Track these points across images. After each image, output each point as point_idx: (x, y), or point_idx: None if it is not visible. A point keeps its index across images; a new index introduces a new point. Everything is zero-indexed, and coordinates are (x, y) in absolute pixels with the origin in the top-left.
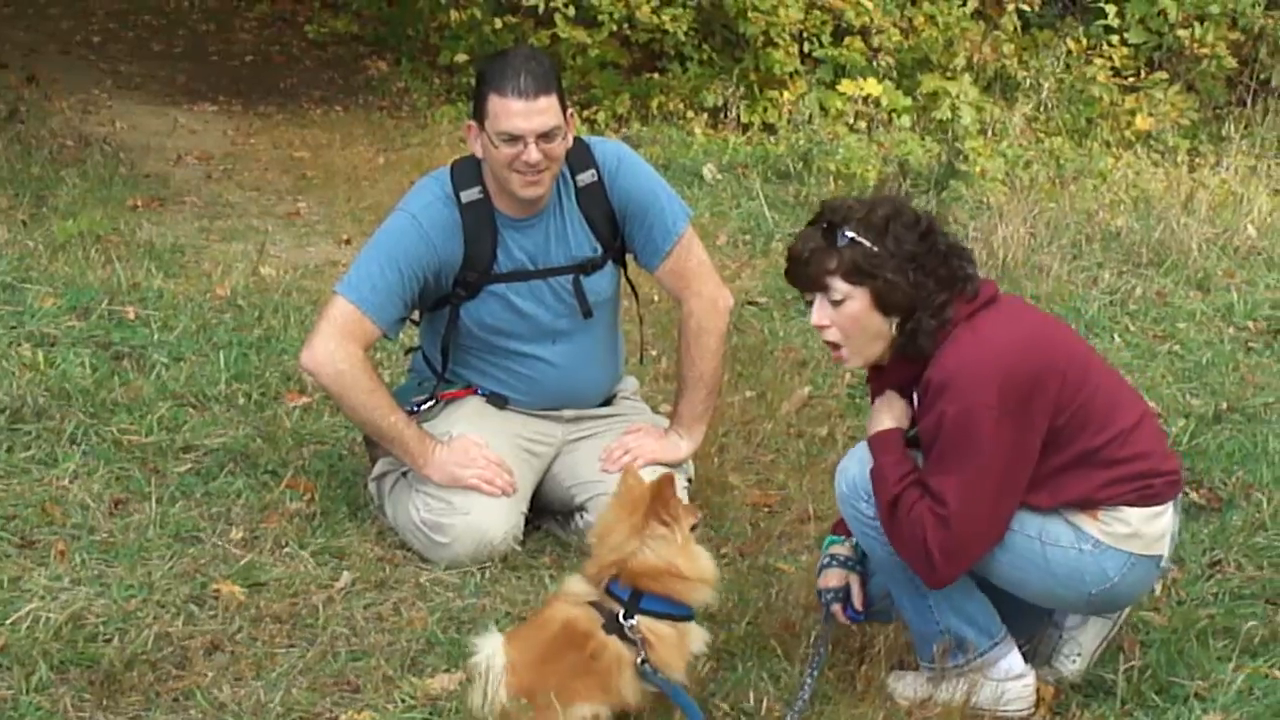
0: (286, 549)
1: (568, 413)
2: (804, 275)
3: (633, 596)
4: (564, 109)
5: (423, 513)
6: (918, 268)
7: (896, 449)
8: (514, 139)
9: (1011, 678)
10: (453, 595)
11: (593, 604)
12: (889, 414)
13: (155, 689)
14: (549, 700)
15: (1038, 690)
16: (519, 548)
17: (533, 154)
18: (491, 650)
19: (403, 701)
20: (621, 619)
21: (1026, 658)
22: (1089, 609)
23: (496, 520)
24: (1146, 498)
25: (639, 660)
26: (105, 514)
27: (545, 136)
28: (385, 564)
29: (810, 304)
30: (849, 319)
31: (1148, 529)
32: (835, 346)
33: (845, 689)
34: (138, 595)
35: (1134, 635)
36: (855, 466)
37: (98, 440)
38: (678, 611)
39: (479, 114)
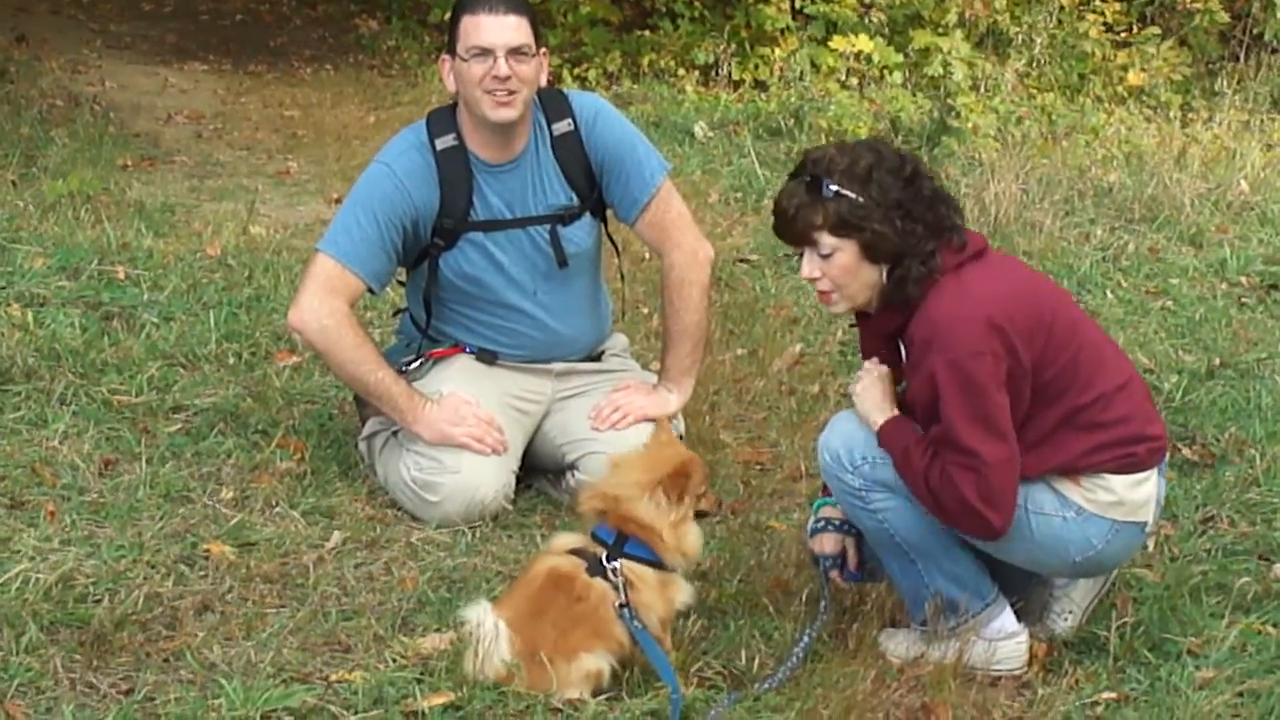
0: (277, 509)
1: (557, 366)
2: (791, 231)
3: (618, 540)
4: (536, 38)
5: (413, 471)
6: (904, 215)
7: (905, 433)
8: (484, 53)
9: (1004, 636)
10: (444, 554)
11: (574, 551)
12: (875, 407)
13: (145, 649)
14: (549, 656)
15: (1030, 648)
16: (510, 506)
17: (502, 68)
18: (482, 613)
19: (394, 661)
20: (605, 561)
21: (1019, 616)
22: (1073, 574)
23: (487, 479)
24: (1129, 465)
25: (618, 604)
26: (95, 474)
27: (515, 53)
28: (376, 523)
29: (800, 256)
30: (839, 270)
31: (1131, 496)
32: (826, 293)
33: (837, 647)
34: (128, 556)
35: (1127, 592)
36: (837, 440)
37: (87, 400)
38: (659, 561)
39: (451, 41)
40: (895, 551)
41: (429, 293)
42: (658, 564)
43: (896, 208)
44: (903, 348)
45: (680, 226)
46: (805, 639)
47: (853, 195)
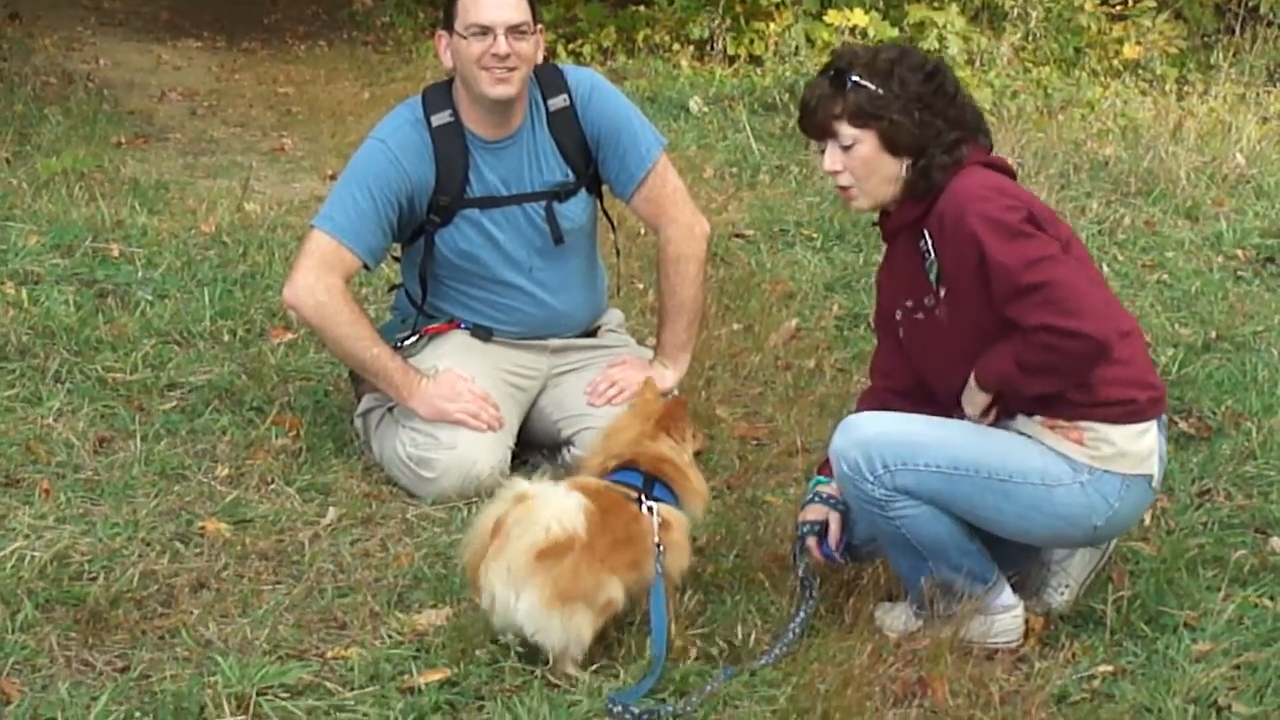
0: (272, 486)
1: (553, 342)
2: (812, 123)
3: (647, 481)
4: (534, 15)
5: (409, 448)
6: (924, 108)
7: (987, 358)
8: (484, 31)
9: (1000, 610)
10: (439, 531)
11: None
12: (968, 388)
13: (141, 627)
14: (601, 556)
15: (1027, 621)
16: (506, 482)
17: (502, 45)
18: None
19: (390, 637)
20: (641, 500)
21: (1015, 589)
22: (1094, 540)
23: (483, 454)
24: (1130, 414)
25: (655, 542)
26: (90, 452)
27: (515, 31)
28: (371, 500)
29: (822, 153)
30: (859, 162)
31: (1134, 447)
32: (846, 189)
33: (833, 621)
34: (123, 533)
35: (1123, 565)
36: (854, 449)
37: (82, 378)
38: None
39: (449, 18)
40: (907, 550)
41: (425, 269)
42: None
43: (916, 100)
44: (927, 235)
45: (676, 202)
46: (801, 614)
47: (872, 87)
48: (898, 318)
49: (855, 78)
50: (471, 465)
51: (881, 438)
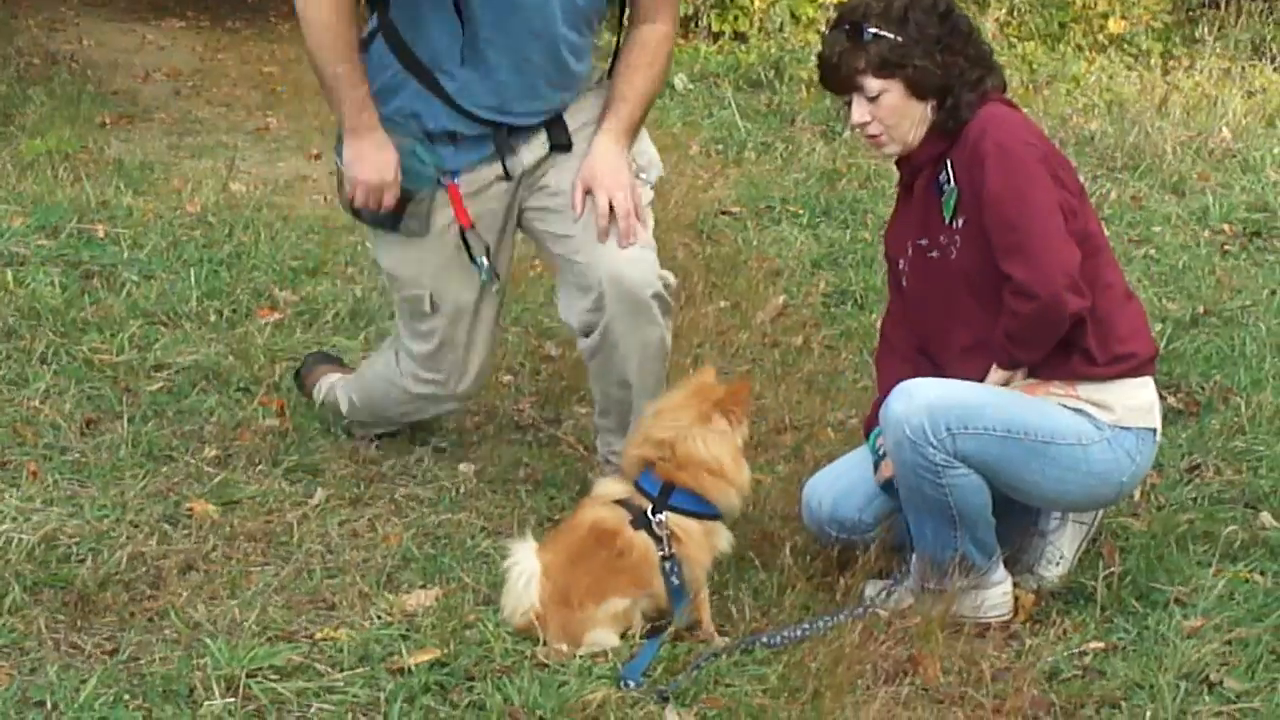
0: (260, 467)
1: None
2: (836, 78)
3: (663, 492)
4: None
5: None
6: (944, 49)
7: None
8: None
9: (992, 585)
10: (428, 511)
11: (620, 502)
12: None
13: (129, 609)
14: (580, 600)
15: (1017, 599)
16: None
17: None
18: (524, 556)
19: (379, 618)
20: (650, 514)
21: (1008, 566)
22: (1118, 499)
23: (464, 383)
24: (1132, 369)
25: (662, 556)
26: (77, 434)
27: None
28: (359, 481)
29: (847, 105)
30: (888, 111)
31: (1138, 400)
32: (876, 137)
33: (824, 600)
34: (111, 515)
35: (1113, 541)
36: (919, 414)
37: (68, 360)
38: (705, 510)
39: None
40: (942, 517)
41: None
42: (703, 514)
43: (935, 43)
44: (949, 165)
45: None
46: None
47: (891, 35)
48: (902, 266)
49: (873, 29)
50: (465, 388)
51: (944, 400)
